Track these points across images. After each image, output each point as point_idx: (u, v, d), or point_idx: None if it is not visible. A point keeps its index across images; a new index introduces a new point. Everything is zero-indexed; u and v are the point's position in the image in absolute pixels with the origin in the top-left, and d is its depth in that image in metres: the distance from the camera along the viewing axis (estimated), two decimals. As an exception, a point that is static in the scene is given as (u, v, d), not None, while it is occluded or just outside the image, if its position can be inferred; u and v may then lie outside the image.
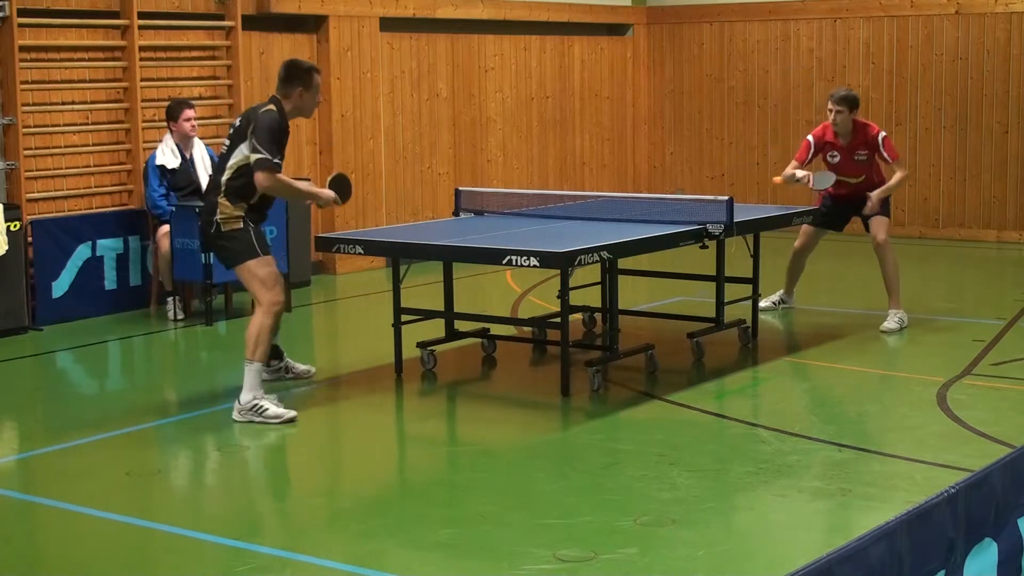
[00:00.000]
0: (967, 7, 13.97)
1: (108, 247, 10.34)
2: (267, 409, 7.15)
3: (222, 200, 7.26)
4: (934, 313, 10.05)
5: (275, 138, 7.18)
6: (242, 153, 7.23)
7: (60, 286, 10.02)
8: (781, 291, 10.14)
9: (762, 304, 9.72)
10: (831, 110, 9.40)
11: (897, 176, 9.52)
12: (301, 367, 8.17)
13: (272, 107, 7.27)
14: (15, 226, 9.51)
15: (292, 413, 7.19)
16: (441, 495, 6.14)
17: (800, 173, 9.43)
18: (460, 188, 9.50)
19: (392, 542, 5.45)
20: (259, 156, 7.12)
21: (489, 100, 14.01)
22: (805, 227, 9.78)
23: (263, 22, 11.87)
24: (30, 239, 9.82)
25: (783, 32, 15.06)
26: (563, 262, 7.29)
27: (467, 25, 13.74)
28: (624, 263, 8.58)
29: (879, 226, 9.43)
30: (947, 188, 14.28)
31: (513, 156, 14.34)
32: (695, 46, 15.62)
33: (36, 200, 10.15)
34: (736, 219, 8.25)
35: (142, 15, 10.69)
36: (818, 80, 14.81)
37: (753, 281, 9.14)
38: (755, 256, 9.12)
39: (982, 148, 14.06)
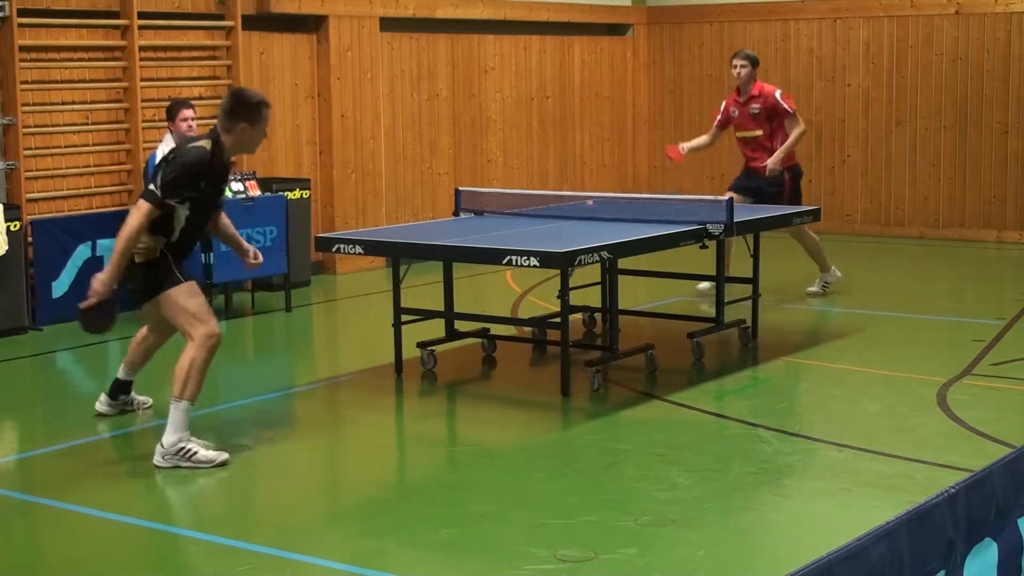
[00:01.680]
0: (967, 7, 13.97)
1: (108, 247, 10.29)
2: (195, 452, 6.39)
3: (144, 235, 6.46)
4: (934, 313, 10.05)
5: (181, 176, 6.39)
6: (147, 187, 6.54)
7: (60, 286, 10.02)
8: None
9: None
10: (735, 66, 10.36)
11: (794, 133, 10.23)
12: (140, 398, 7.45)
13: (204, 143, 6.52)
14: (15, 226, 9.51)
15: (224, 456, 6.45)
16: (441, 495, 6.14)
17: (683, 147, 10.59)
18: (460, 188, 9.50)
19: (392, 542, 5.44)
20: (150, 188, 6.43)
21: (489, 100, 14.01)
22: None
23: (263, 22, 11.87)
24: (30, 239, 9.82)
25: (783, 32, 15.06)
26: (563, 262, 7.29)
27: (467, 25, 13.74)
28: (624, 263, 8.58)
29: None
30: (947, 188, 14.28)
31: (513, 156, 14.34)
32: (695, 46, 15.62)
33: (36, 200, 10.15)
34: (736, 219, 8.26)
35: (142, 15, 10.69)
36: (818, 80, 14.81)
37: (753, 281, 9.14)
38: (755, 256, 9.12)
39: (982, 148, 14.06)
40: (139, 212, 6.38)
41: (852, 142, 14.71)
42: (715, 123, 10.69)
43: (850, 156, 14.73)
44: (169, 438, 6.38)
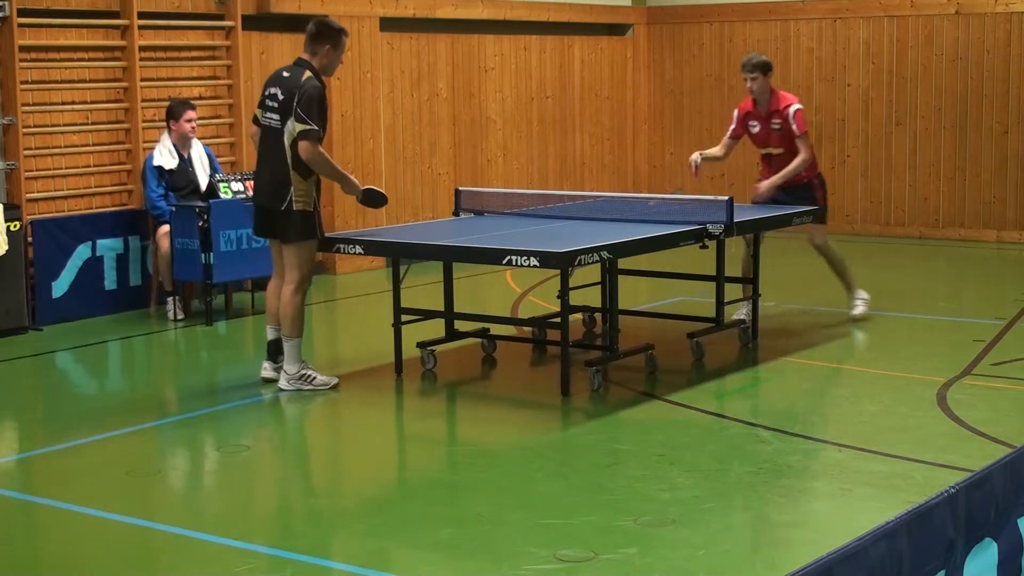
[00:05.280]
0: (967, 7, 13.97)
1: (108, 247, 10.34)
2: (315, 377, 7.71)
3: (294, 175, 7.50)
4: (934, 313, 10.05)
5: (321, 108, 7.44)
6: (290, 128, 7.48)
7: (60, 286, 10.02)
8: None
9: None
10: (746, 78, 9.45)
11: (797, 159, 9.31)
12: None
13: (310, 74, 7.50)
14: (15, 226, 9.51)
15: (336, 380, 7.77)
16: (441, 495, 6.14)
17: (695, 157, 9.54)
18: (460, 188, 9.50)
19: (392, 542, 5.44)
20: (304, 127, 7.39)
21: (489, 100, 14.01)
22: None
23: (263, 22, 11.87)
24: (30, 239, 9.82)
25: (783, 32, 15.05)
26: (563, 262, 7.29)
27: (467, 25, 13.74)
28: (624, 263, 8.58)
29: (815, 232, 9.54)
30: (947, 188, 14.28)
31: (513, 156, 14.34)
32: (695, 46, 15.62)
33: (36, 200, 10.15)
34: (736, 219, 8.25)
35: (142, 15, 10.69)
36: (818, 80, 14.81)
37: (753, 281, 9.14)
38: (755, 256, 9.12)
39: (982, 148, 14.06)
40: (314, 148, 7.37)
41: (852, 142, 14.71)
42: (728, 134, 9.70)
43: (850, 156, 14.73)
44: (291, 367, 7.68)
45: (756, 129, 9.52)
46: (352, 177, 7.79)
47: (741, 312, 9.33)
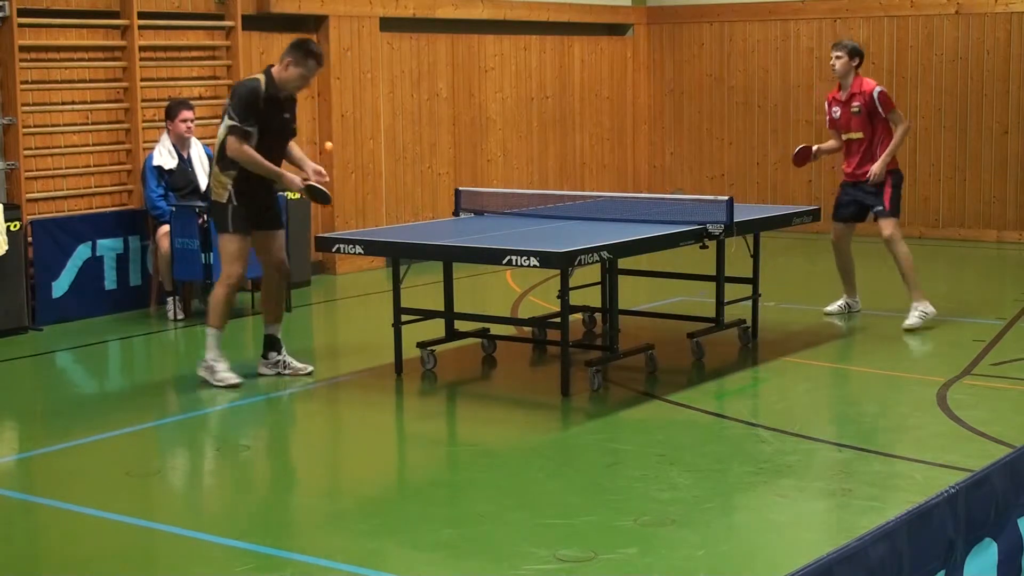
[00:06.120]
0: (967, 7, 13.97)
1: (108, 247, 10.33)
2: (217, 372, 7.85)
3: (215, 168, 7.82)
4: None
5: (246, 105, 7.61)
6: (223, 124, 7.75)
7: (60, 286, 10.02)
8: (844, 297, 9.97)
9: (827, 309, 9.91)
10: (831, 56, 9.50)
11: (897, 133, 9.35)
12: (299, 364, 8.21)
13: (258, 76, 7.78)
14: (15, 226, 9.51)
15: (234, 381, 7.81)
16: (441, 495, 6.14)
17: (814, 147, 9.74)
18: (460, 188, 9.50)
19: (392, 542, 5.44)
20: (231, 123, 7.62)
21: (489, 100, 14.01)
22: (833, 224, 9.89)
23: (263, 22, 11.87)
24: (30, 239, 9.82)
25: (783, 32, 15.05)
26: (563, 262, 7.29)
27: (467, 25, 13.74)
28: (624, 263, 8.58)
29: (884, 224, 9.46)
30: (947, 188, 14.28)
31: (513, 156, 14.34)
32: (695, 46, 15.62)
33: (36, 200, 10.15)
34: (736, 219, 8.25)
35: (142, 15, 10.68)
36: (818, 80, 14.80)
37: (753, 281, 9.14)
38: (755, 256, 9.12)
39: (982, 148, 14.06)
40: (236, 143, 7.58)
41: (852, 142, 14.69)
42: (828, 126, 9.72)
43: (850, 156, 14.72)
44: (208, 353, 7.89)
45: (837, 114, 9.55)
46: (288, 173, 7.81)
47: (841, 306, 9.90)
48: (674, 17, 15.70)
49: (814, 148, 9.74)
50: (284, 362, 8.15)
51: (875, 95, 9.35)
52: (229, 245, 7.79)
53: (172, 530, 5.60)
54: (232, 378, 7.83)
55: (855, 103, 9.41)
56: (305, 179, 7.81)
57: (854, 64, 9.45)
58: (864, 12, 14.56)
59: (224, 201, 7.76)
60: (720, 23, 15.41)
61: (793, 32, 14.99)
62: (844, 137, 9.57)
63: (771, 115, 15.16)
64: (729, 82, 15.42)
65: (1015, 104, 13.82)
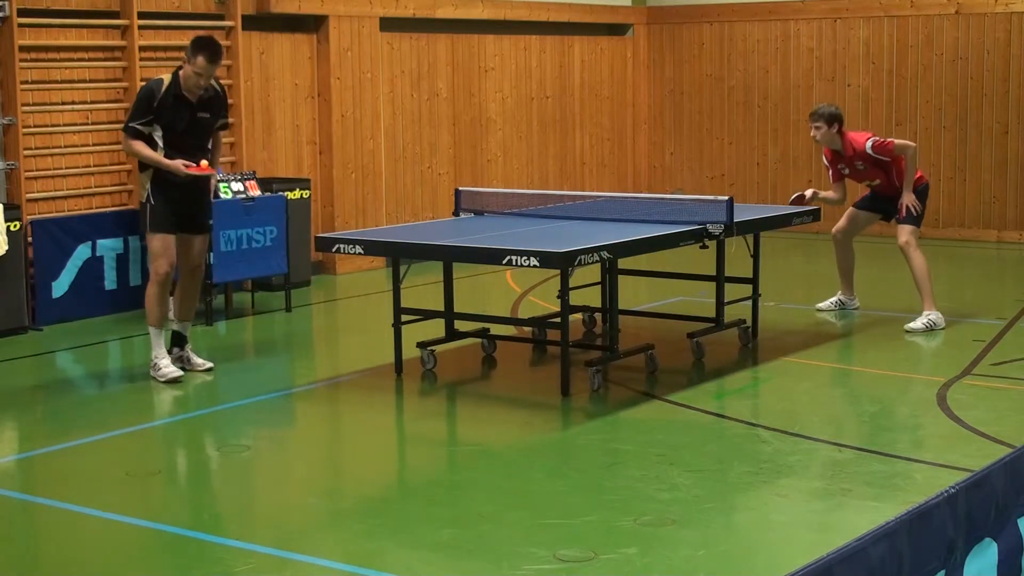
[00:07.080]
0: (967, 7, 13.97)
1: (108, 247, 10.33)
2: (160, 369, 8.00)
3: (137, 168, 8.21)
4: (934, 313, 10.02)
5: (137, 104, 7.87)
6: None
7: (60, 286, 10.02)
8: (838, 294, 10.06)
9: (819, 305, 10.05)
10: (811, 127, 9.55)
11: (908, 162, 9.38)
12: (198, 360, 8.37)
13: (164, 76, 7.93)
14: (15, 226, 9.51)
15: (173, 375, 7.98)
16: (441, 495, 6.14)
17: (808, 193, 9.63)
18: (460, 188, 9.50)
19: (392, 542, 5.44)
20: (125, 122, 7.98)
21: (489, 100, 14.01)
22: (849, 209, 9.93)
23: (263, 22, 11.87)
24: (30, 239, 9.82)
25: (783, 32, 15.05)
26: (563, 262, 7.29)
27: (467, 25, 13.73)
28: (624, 263, 8.58)
29: (900, 230, 9.49)
30: (947, 188, 14.28)
31: (513, 156, 14.34)
32: (695, 46, 15.62)
33: (36, 200, 10.15)
34: (736, 219, 8.25)
35: (142, 15, 10.68)
36: (818, 80, 14.81)
37: (753, 281, 9.14)
38: (755, 256, 9.12)
39: (982, 148, 14.06)
40: (124, 141, 7.94)
41: (852, 142, 14.69)
42: (831, 179, 9.79)
43: (850, 156, 14.72)
44: (152, 352, 8.08)
45: (846, 172, 9.65)
46: (172, 162, 7.82)
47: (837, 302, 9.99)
48: (674, 17, 15.70)
49: (808, 193, 9.60)
50: (187, 357, 8.32)
51: (869, 150, 9.40)
52: (151, 243, 8.01)
53: (172, 530, 5.60)
54: (173, 372, 8.01)
55: (858, 162, 9.50)
56: (187, 165, 7.89)
57: (834, 130, 9.46)
58: (864, 12, 14.55)
59: (143, 200, 8.02)
60: (720, 23, 15.41)
61: (793, 32, 14.99)
62: (864, 183, 9.76)
63: (771, 115, 15.16)
64: (729, 82, 15.41)
65: (1015, 104, 13.82)
